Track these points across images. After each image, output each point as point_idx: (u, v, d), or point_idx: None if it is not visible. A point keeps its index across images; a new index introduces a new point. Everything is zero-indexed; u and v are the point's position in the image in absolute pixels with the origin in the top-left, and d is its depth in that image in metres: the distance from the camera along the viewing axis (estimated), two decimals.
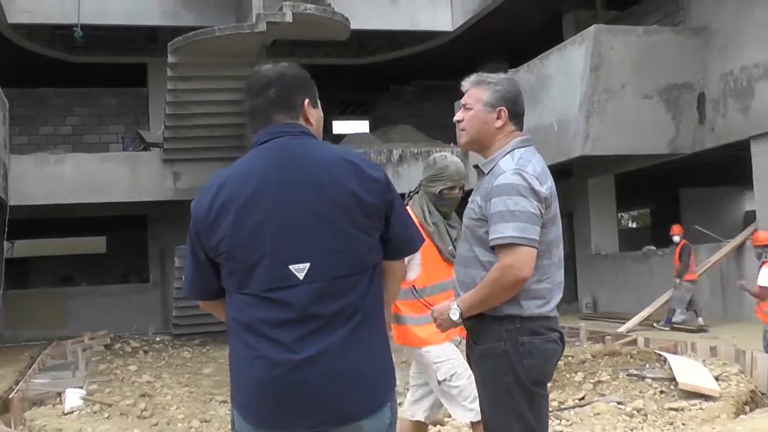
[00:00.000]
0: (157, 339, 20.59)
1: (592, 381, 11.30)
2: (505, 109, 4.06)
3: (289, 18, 17.42)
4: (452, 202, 5.59)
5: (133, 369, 15.54)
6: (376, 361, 3.08)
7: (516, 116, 4.10)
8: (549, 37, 21.51)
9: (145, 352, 18.50)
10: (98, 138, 25.20)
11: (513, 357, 3.89)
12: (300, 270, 2.97)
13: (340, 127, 31.67)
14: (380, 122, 28.10)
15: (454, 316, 3.97)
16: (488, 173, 4.00)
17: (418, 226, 4.44)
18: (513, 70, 21.17)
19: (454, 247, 5.09)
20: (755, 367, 11.18)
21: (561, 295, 4.03)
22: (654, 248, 20.75)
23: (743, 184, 27.76)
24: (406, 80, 28.76)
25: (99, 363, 16.48)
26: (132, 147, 22.49)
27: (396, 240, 3.19)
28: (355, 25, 19.52)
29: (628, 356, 12.51)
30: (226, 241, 3.02)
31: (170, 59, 18.04)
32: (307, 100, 3.23)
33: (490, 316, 3.93)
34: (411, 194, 5.58)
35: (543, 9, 22.41)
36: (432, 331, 5.05)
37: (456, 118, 4.17)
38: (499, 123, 4.06)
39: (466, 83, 4.18)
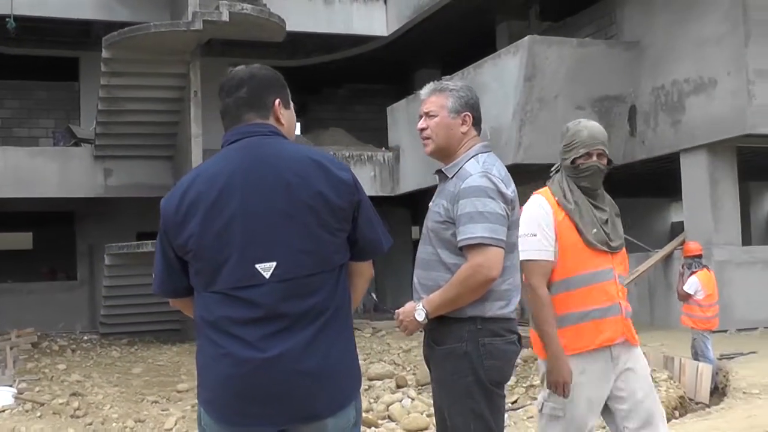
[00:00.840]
0: (85, 338, 20.42)
1: (524, 385, 11.51)
2: (469, 114, 4.14)
3: (225, 17, 17.47)
4: (593, 175, 4.60)
5: (61, 368, 15.43)
6: (342, 361, 3.12)
7: (477, 122, 4.20)
8: (482, 46, 21.69)
9: (73, 350, 18.36)
10: (28, 132, 24.82)
11: (474, 358, 3.95)
12: (266, 269, 3.00)
13: None
14: (312, 124, 28.11)
15: (420, 317, 4.00)
16: (453, 177, 4.06)
17: (556, 207, 4.43)
18: (446, 77, 20.77)
19: (605, 233, 4.52)
20: (683, 374, 11.49)
21: (519, 297, 4.12)
22: None
23: (670, 195, 28.49)
24: (339, 83, 28.83)
25: (27, 361, 16.38)
26: (63, 142, 22.20)
27: (363, 241, 3.22)
28: (290, 26, 19.61)
29: None
30: (195, 239, 3.06)
31: (104, 54, 17.97)
32: (278, 100, 3.26)
33: (452, 317, 3.98)
34: (552, 172, 4.79)
35: (477, 18, 22.57)
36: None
37: (420, 125, 4.22)
38: (464, 128, 4.14)
39: (426, 91, 4.24)
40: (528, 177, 19.93)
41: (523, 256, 4.28)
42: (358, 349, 3.26)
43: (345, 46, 24.90)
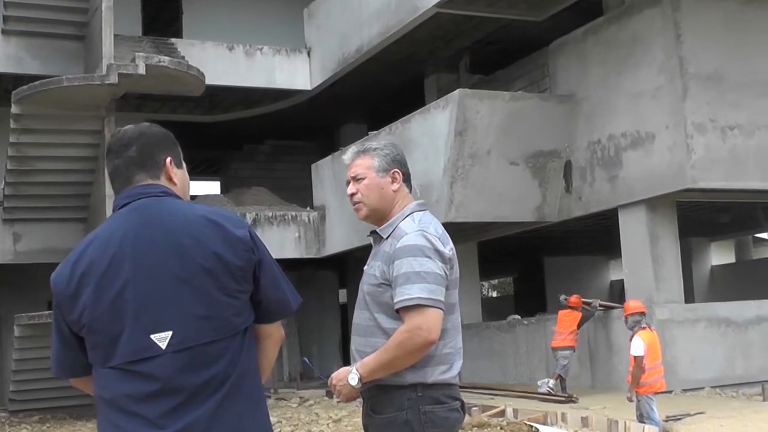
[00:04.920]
0: None
1: None
2: (398, 170, 4.18)
3: (142, 70, 17.43)
4: None
5: None
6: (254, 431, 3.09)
7: (407, 178, 4.22)
8: (410, 99, 22.12)
9: None
10: None
11: (415, 427, 3.93)
12: (162, 339, 2.95)
13: (190, 188, 31.46)
14: (232, 183, 28.13)
15: (353, 380, 3.98)
16: (388, 237, 4.08)
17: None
18: (373, 132, 21.84)
19: None
20: None
21: (461, 361, 4.11)
22: (519, 317, 21.20)
23: (609, 253, 29.02)
24: (261, 139, 29.00)
25: None
26: None
27: (267, 301, 3.16)
28: (209, 80, 19.69)
29: (498, 428, 12.74)
30: (87, 313, 3.00)
31: (13, 110, 17.83)
32: (169, 159, 3.23)
33: (392, 384, 3.97)
34: None
35: (404, 71, 22.87)
36: None
37: (349, 192, 4.23)
38: (395, 185, 4.16)
39: (349, 155, 4.25)
40: (461, 235, 20.53)
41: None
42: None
43: (267, 101, 25.05)
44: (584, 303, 17.43)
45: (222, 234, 3.04)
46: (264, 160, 29.48)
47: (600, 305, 17.85)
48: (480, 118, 17.69)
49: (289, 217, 22.59)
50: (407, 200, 4.20)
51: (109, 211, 17.23)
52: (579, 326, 17.17)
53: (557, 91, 19.08)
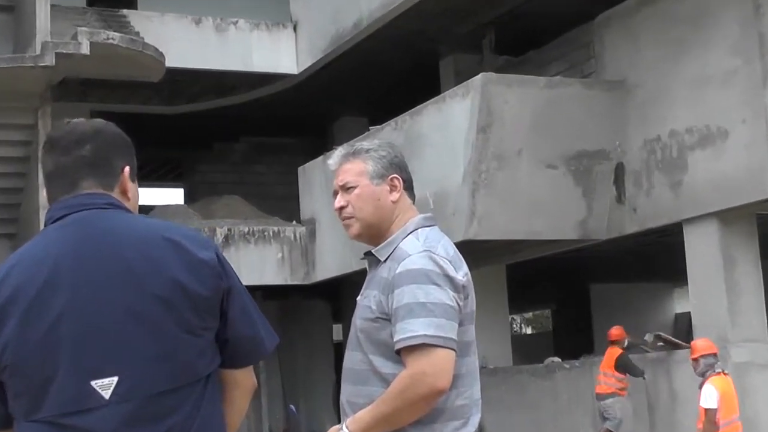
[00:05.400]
0: None
1: None
2: (397, 176, 4.18)
3: (85, 49, 17.55)
4: None
5: None
6: None
7: (410, 185, 4.25)
8: (421, 86, 21.94)
9: None
10: None
11: None
12: (105, 386, 2.94)
13: (145, 196, 31.25)
14: (199, 190, 28.02)
15: None
16: (386, 260, 4.07)
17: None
18: (376, 127, 21.72)
19: None
20: None
21: (480, 415, 4.10)
22: (558, 360, 21.09)
23: (672, 279, 28.93)
24: (235, 136, 28.95)
25: None
26: None
27: (236, 340, 3.17)
28: (170, 62, 19.88)
29: None
30: (11, 351, 2.97)
31: None
32: (127, 168, 3.25)
33: None
34: None
35: (414, 51, 22.79)
36: None
37: (337, 205, 4.23)
38: (395, 195, 4.17)
39: (335, 159, 4.27)
40: (485, 257, 20.60)
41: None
42: None
43: (243, 88, 24.97)
44: (633, 339, 17.47)
45: (183, 256, 3.04)
46: (239, 162, 29.38)
47: (661, 341, 17.85)
48: (508, 110, 17.60)
49: (271, 233, 22.46)
50: (410, 213, 4.21)
51: (42, 225, 17.68)
52: (623, 367, 17.12)
53: (604, 76, 18.97)
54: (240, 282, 3.21)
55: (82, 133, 3.21)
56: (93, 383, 2.92)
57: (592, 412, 18.58)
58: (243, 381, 3.27)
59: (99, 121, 3.30)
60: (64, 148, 3.19)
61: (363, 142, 4.28)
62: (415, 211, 4.22)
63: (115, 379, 2.92)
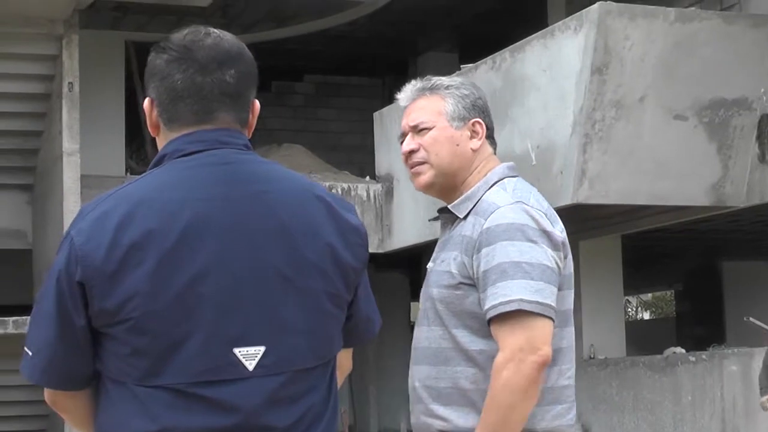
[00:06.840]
0: None
1: None
2: (480, 121, 4.07)
3: None
4: None
5: None
6: None
7: (491, 134, 4.18)
8: (525, 17, 21.26)
9: None
10: None
11: None
12: (250, 356, 2.83)
13: None
14: (255, 138, 25.98)
15: None
16: (468, 215, 3.93)
17: None
18: (468, 65, 20.57)
19: None
20: None
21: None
22: (682, 350, 20.01)
23: None
24: (298, 75, 28.07)
25: None
26: None
27: (357, 319, 3.18)
28: None
29: None
30: (137, 303, 2.81)
31: None
32: (257, 104, 3.21)
33: None
34: None
35: None
36: None
37: (405, 148, 4.17)
38: (475, 143, 4.08)
39: (407, 94, 4.26)
40: (597, 225, 19.96)
41: None
42: None
43: (306, 16, 23.92)
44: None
45: (333, 218, 3.02)
46: (302, 105, 28.44)
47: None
48: (630, 48, 16.45)
49: (339, 190, 21.03)
50: (492, 163, 4.08)
51: (68, 175, 17.05)
52: None
53: (749, 8, 17.98)
54: None
55: (227, 52, 3.03)
56: (236, 351, 2.84)
57: (721, 416, 17.62)
58: (344, 362, 3.26)
59: (236, 39, 3.13)
60: (204, 67, 2.99)
61: (441, 78, 4.17)
62: (497, 161, 4.07)
63: (262, 348, 2.85)
